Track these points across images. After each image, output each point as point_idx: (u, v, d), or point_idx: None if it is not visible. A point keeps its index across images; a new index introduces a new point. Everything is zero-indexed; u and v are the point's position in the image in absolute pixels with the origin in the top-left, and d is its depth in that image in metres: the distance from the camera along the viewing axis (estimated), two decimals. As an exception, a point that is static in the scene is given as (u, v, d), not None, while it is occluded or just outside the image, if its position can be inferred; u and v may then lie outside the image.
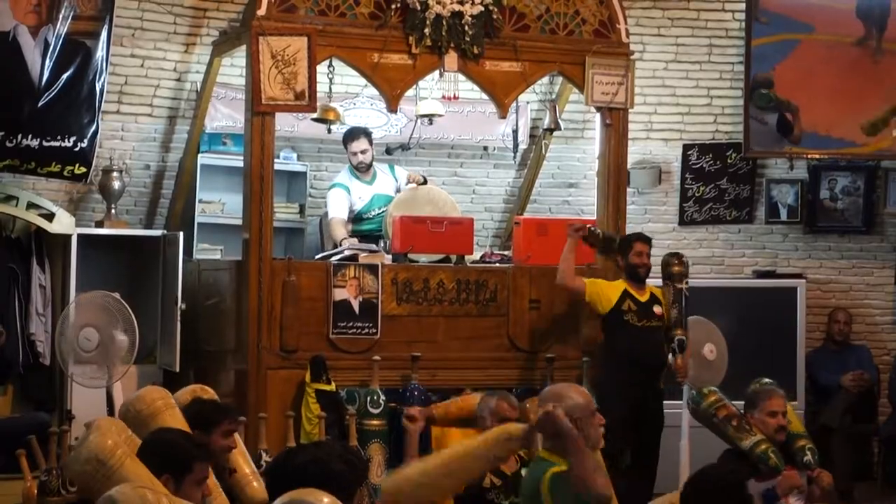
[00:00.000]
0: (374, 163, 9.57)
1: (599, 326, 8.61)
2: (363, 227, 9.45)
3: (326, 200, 9.62)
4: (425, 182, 9.53)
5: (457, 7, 8.62)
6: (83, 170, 8.93)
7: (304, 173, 10.16)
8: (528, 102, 10.21)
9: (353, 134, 9.47)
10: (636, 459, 8.22)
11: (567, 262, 8.42)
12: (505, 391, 7.11)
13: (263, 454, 7.17)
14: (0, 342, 8.76)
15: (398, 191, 9.51)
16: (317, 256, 9.11)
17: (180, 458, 4.75)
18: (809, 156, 10.61)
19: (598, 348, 8.70)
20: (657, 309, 8.47)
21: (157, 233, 9.43)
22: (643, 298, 8.49)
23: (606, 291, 8.44)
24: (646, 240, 8.66)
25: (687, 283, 8.49)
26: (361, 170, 9.45)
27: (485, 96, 9.24)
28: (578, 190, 10.64)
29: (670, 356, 8.36)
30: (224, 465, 5.89)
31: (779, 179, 10.76)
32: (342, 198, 9.43)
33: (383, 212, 9.33)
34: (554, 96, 10.21)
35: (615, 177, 9.14)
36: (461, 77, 9.06)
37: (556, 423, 4.83)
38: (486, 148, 10.53)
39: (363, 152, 9.40)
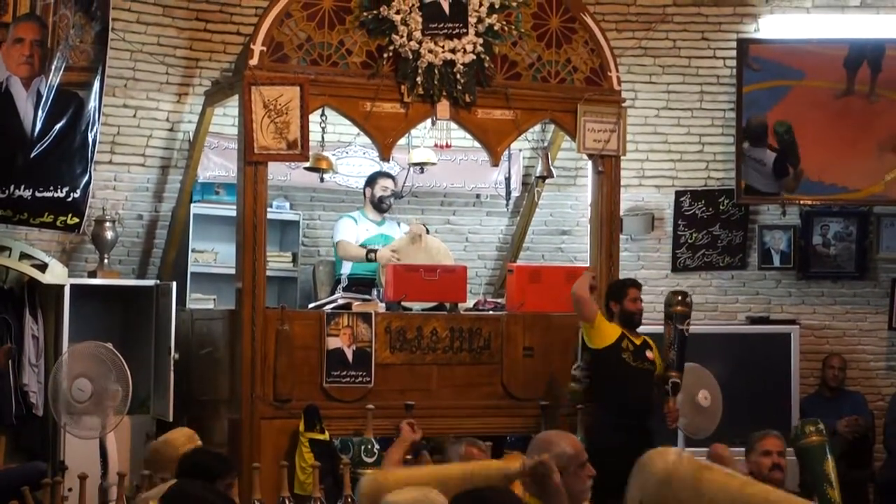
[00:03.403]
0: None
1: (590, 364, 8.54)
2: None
3: (333, 231, 9.68)
4: (427, 232, 9.55)
5: (448, 56, 8.64)
6: (76, 220, 8.92)
7: (297, 222, 10.17)
8: (520, 150, 10.22)
9: (384, 173, 9.70)
10: None
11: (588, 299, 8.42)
12: (472, 437, 7.11)
13: (257, 504, 7.12)
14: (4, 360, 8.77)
15: None
16: (310, 305, 9.11)
17: None
18: (802, 202, 10.63)
19: (588, 393, 8.58)
20: (649, 354, 8.47)
21: (150, 283, 9.40)
22: (637, 342, 8.48)
23: (608, 329, 8.38)
24: (638, 285, 8.67)
25: (689, 324, 8.48)
26: (383, 209, 9.57)
27: (477, 144, 9.25)
28: (571, 237, 10.65)
29: (672, 399, 8.36)
30: None
31: (771, 225, 10.76)
32: (349, 225, 9.55)
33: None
34: (546, 144, 10.23)
35: (608, 224, 9.14)
36: (453, 125, 9.07)
37: (546, 476, 4.80)
38: (478, 196, 10.54)
39: (392, 190, 9.60)
